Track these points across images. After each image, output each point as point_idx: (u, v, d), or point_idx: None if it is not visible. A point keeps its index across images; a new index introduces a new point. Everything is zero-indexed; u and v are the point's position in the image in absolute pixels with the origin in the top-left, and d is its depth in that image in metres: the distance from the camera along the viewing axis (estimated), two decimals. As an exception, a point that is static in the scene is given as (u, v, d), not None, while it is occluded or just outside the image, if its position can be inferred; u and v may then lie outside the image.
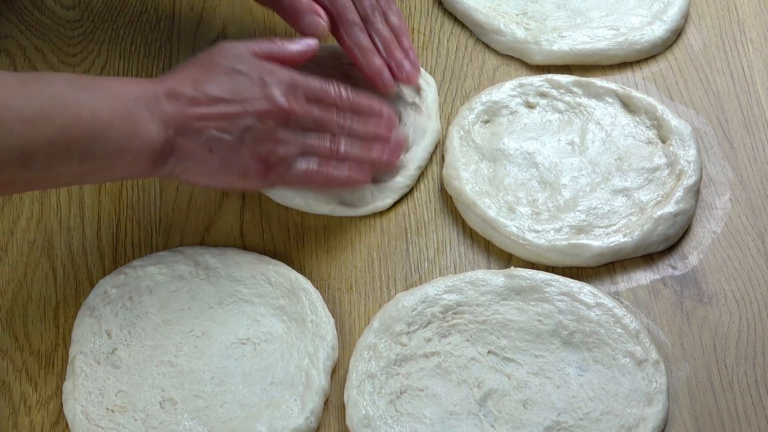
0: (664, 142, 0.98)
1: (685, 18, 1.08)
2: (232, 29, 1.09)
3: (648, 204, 0.94)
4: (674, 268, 0.92)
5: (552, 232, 0.92)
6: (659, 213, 0.92)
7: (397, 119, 0.98)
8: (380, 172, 0.96)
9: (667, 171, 0.96)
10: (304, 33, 0.95)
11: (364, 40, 0.98)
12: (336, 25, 0.98)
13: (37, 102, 0.78)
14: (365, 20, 0.99)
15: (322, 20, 0.95)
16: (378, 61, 0.98)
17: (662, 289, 0.91)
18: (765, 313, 0.90)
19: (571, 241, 0.91)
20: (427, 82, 1.02)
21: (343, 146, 0.92)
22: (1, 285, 0.93)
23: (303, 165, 0.90)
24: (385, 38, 0.99)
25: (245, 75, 0.87)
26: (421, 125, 0.99)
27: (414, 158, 0.97)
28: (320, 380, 0.85)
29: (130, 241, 0.95)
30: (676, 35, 1.07)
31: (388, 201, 0.96)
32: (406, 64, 1.00)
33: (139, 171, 0.85)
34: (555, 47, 1.04)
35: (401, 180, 0.97)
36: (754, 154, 0.99)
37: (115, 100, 0.82)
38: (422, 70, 1.03)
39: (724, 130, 1.00)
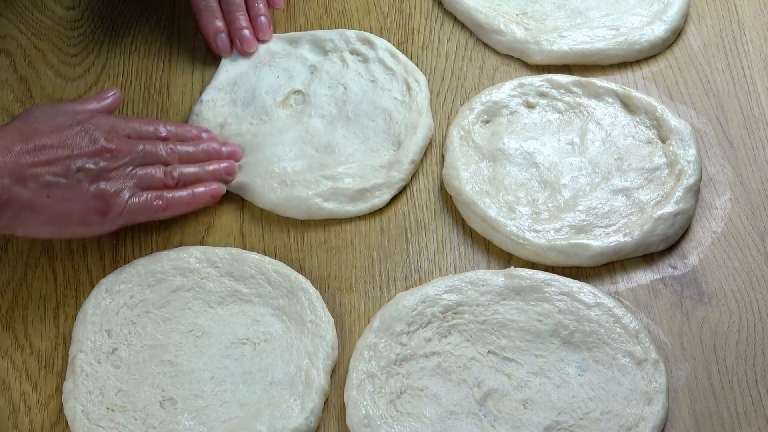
0: (663, 141, 0.98)
1: (685, 18, 1.08)
2: (232, 29, 1.09)
3: (648, 204, 0.94)
4: (674, 268, 0.92)
5: (552, 231, 0.92)
6: (659, 213, 0.92)
7: (215, 135, 1.00)
8: (227, 181, 0.98)
9: (666, 171, 0.96)
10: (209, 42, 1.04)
11: (211, 2, 1.03)
12: None
13: None
14: None
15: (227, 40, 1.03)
16: (216, 25, 1.03)
17: (662, 289, 0.91)
18: (765, 313, 0.90)
19: (571, 241, 0.91)
20: (417, 80, 1.03)
21: (177, 172, 0.94)
22: (1, 285, 0.93)
23: (140, 197, 0.92)
24: (233, 4, 1.03)
25: (67, 125, 0.90)
26: (411, 121, 1.00)
27: (406, 153, 0.98)
28: (320, 380, 0.85)
29: (130, 241, 0.95)
30: (676, 35, 1.07)
31: (386, 197, 0.96)
32: (245, 33, 1.03)
33: None
34: (555, 47, 1.04)
35: (396, 174, 0.97)
36: (754, 154, 0.99)
37: None
38: (414, 67, 1.04)
39: (724, 130, 1.00)
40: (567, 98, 1.01)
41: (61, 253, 0.95)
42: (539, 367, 0.86)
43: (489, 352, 0.87)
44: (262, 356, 0.87)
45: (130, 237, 0.95)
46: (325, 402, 0.86)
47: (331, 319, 0.89)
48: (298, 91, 1.03)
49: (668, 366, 0.87)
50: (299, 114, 1.02)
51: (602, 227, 0.93)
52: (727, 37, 1.07)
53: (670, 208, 0.92)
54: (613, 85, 1.01)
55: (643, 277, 0.92)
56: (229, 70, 1.05)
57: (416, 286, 0.91)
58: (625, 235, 0.91)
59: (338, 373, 0.87)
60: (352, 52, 1.06)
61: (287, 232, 0.96)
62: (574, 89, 1.01)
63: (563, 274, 0.91)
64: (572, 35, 1.05)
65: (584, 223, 0.93)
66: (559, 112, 1.00)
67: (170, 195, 0.93)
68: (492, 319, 0.88)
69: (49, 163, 0.87)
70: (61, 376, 0.88)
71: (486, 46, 1.07)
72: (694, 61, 1.05)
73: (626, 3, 1.08)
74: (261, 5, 1.06)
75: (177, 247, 0.94)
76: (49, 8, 1.11)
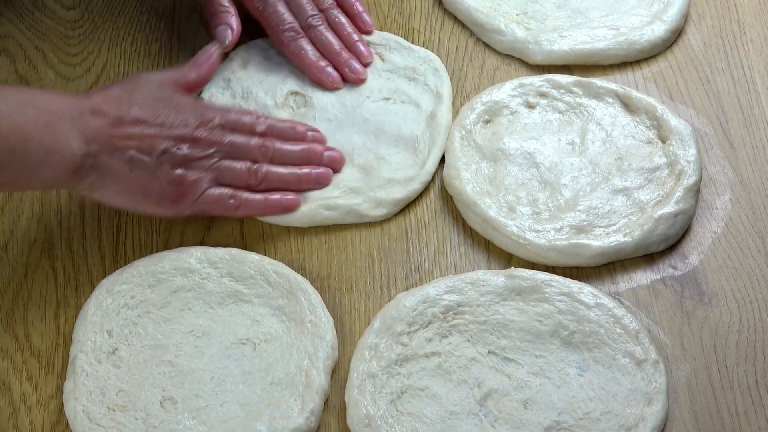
0: (664, 142, 0.98)
1: (685, 18, 1.08)
2: (232, 29, 1.09)
3: (648, 204, 0.94)
4: (674, 268, 0.92)
5: (552, 231, 0.92)
6: (659, 213, 0.92)
7: (325, 138, 0.98)
8: (316, 189, 0.96)
9: (667, 171, 0.96)
10: (214, 38, 1.00)
11: (305, 45, 1.02)
12: (276, 36, 1.02)
13: None
14: (306, 28, 1.02)
15: (229, 34, 1.00)
16: (320, 64, 1.02)
17: (662, 289, 0.91)
18: (765, 313, 0.90)
19: (572, 241, 0.91)
20: (441, 93, 1.01)
21: (263, 170, 0.93)
22: (2, 285, 0.93)
23: (216, 191, 0.91)
24: (328, 42, 1.02)
25: (164, 102, 0.90)
26: (432, 130, 0.99)
27: (427, 169, 0.97)
28: (320, 380, 0.85)
29: (130, 241, 0.95)
30: (676, 35, 1.07)
31: (399, 207, 0.96)
32: (353, 63, 1.02)
33: (59, 183, 0.87)
34: (555, 47, 1.04)
35: (413, 189, 0.96)
36: (754, 154, 0.99)
37: (37, 113, 0.83)
38: (444, 76, 1.03)
39: (724, 130, 1.00)
40: (567, 98, 1.01)
41: (61, 253, 0.95)
42: (539, 367, 0.86)
43: (489, 352, 0.87)
44: (262, 356, 0.87)
45: (130, 237, 0.95)
46: (326, 402, 0.86)
47: (331, 319, 0.89)
48: (296, 92, 1.03)
49: (668, 366, 0.87)
50: (301, 117, 1.01)
51: (602, 227, 0.93)
52: (727, 37, 1.07)
53: (670, 208, 0.93)
54: (613, 86, 1.01)
55: (643, 277, 0.92)
56: (223, 68, 1.04)
57: (416, 286, 0.91)
58: (625, 235, 0.91)
59: (338, 374, 0.87)
60: None
61: (287, 233, 0.96)
62: (575, 89, 1.01)
63: (563, 275, 0.91)
64: (572, 35, 1.05)
65: (584, 223, 0.93)
66: (560, 112, 1.01)
67: (244, 196, 0.92)
68: (492, 319, 0.88)
69: (139, 137, 0.87)
70: (62, 376, 0.88)
71: (486, 46, 1.07)
72: (694, 61, 1.05)
73: (626, 3, 1.08)
74: (353, 33, 1.04)
75: (177, 247, 0.94)
76: (49, 8, 1.11)
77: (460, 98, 1.03)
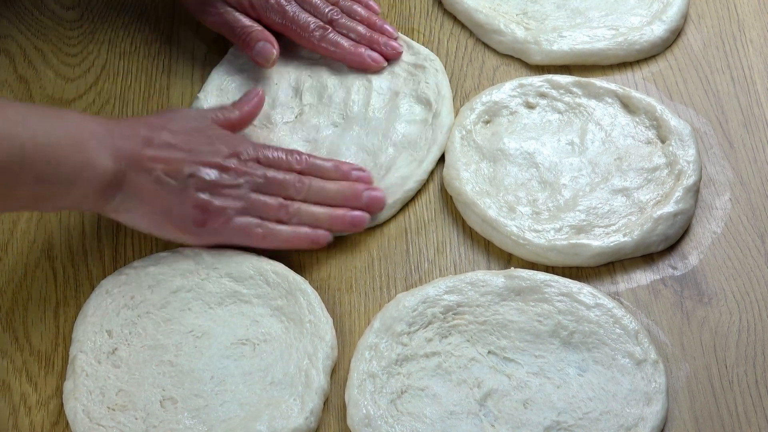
0: (663, 142, 0.98)
1: (685, 18, 1.08)
2: (232, 29, 1.09)
3: (647, 204, 0.94)
4: (674, 268, 0.92)
5: (552, 231, 0.92)
6: (659, 213, 0.92)
7: (371, 178, 0.95)
8: (351, 232, 0.94)
9: (666, 171, 0.96)
10: (255, 60, 1.01)
11: (337, 37, 1.03)
12: (306, 39, 1.03)
13: None
14: (331, 23, 1.04)
15: (273, 48, 1.01)
16: (358, 49, 1.03)
17: (662, 289, 0.91)
18: (765, 313, 0.90)
19: (571, 241, 0.91)
20: (442, 95, 1.02)
21: (295, 206, 0.91)
22: (1, 285, 0.93)
23: (243, 220, 0.90)
24: (355, 29, 1.04)
25: (199, 132, 0.90)
26: (434, 132, 0.99)
27: (425, 168, 0.97)
28: (320, 380, 0.85)
29: (130, 241, 0.95)
30: (675, 35, 1.07)
31: (397, 208, 0.96)
32: (386, 41, 1.04)
33: (88, 201, 0.87)
34: (555, 47, 1.04)
35: (410, 189, 0.96)
36: (754, 154, 0.99)
37: (68, 130, 0.84)
38: (443, 80, 1.03)
39: (724, 130, 1.00)
40: (567, 99, 1.01)
41: (61, 253, 0.95)
42: (539, 367, 0.86)
43: (489, 352, 0.87)
44: (261, 356, 0.87)
45: (130, 238, 0.95)
46: (325, 402, 0.86)
47: (330, 320, 0.89)
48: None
49: (668, 366, 0.87)
50: (301, 124, 1.01)
51: (602, 227, 0.93)
52: (727, 37, 1.07)
53: (669, 208, 0.93)
54: (612, 86, 1.01)
55: (643, 277, 0.92)
56: (220, 71, 1.04)
57: (416, 286, 0.91)
58: (625, 235, 0.91)
59: (338, 374, 0.87)
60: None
61: (287, 233, 0.96)
62: (574, 90, 1.01)
63: (563, 274, 0.91)
64: (572, 35, 1.05)
65: (584, 223, 0.93)
66: (559, 112, 1.01)
67: (271, 226, 0.90)
68: (492, 319, 0.88)
69: (166, 161, 0.87)
70: (61, 376, 0.88)
71: (486, 46, 1.08)
72: (694, 61, 1.05)
73: (626, 3, 1.08)
74: (371, 15, 1.06)
75: (177, 247, 0.94)
76: (49, 8, 1.11)
77: (459, 98, 1.04)
